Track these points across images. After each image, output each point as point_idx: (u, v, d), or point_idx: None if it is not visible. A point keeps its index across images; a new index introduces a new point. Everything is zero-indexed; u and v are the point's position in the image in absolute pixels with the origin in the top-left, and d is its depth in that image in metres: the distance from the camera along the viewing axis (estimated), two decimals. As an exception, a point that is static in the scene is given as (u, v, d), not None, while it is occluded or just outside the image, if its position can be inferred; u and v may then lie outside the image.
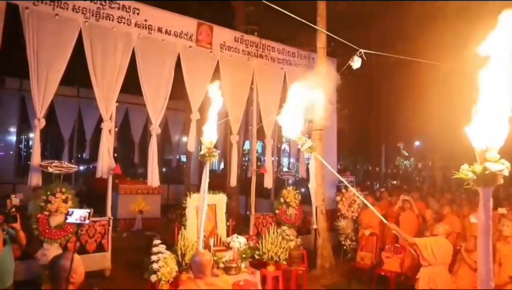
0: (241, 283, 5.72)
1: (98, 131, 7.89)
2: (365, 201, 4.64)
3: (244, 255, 6.23)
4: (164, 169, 16.35)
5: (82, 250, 6.74)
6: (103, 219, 7.11)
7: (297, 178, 11.42)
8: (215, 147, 5.18)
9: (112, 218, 7.30)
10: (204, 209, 5.02)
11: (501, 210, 6.65)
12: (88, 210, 4.98)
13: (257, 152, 11.98)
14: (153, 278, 5.38)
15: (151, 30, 7.50)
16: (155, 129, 7.67)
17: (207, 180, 5.14)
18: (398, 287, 6.83)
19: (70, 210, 5.11)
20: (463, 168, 1.97)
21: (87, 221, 5.09)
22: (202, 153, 5.10)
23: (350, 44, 7.49)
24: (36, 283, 5.61)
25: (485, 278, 2.03)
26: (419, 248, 4.92)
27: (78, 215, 4.96)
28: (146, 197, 10.93)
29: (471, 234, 6.32)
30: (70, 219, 5.06)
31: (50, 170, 6.13)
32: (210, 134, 5.05)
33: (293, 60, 9.74)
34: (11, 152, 14.13)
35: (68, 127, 13.92)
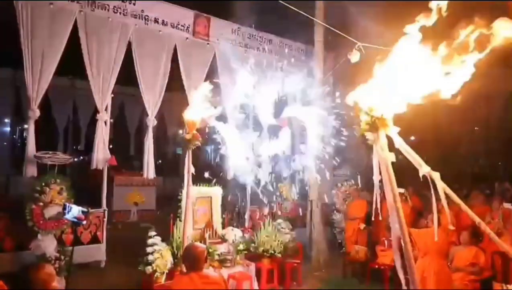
0: (236, 276, 5.75)
1: (93, 122, 7.83)
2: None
3: (239, 248, 6.24)
4: (159, 161, 16.28)
5: (77, 242, 6.73)
6: (98, 211, 7.08)
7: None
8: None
9: (107, 209, 7.28)
10: (187, 201, 4.97)
11: (507, 205, 6.75)
12: (85, 209, 4.98)
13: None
14: (148, 270, 5.38)
15: (148, 20, 7.43)
16: (151, 121, 7.63)
17: (191, 169, 5.06)
18: (392, 280, 6.88)
19: (68, 205, 5.14)
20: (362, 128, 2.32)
21: (84, 222, 5.13)
22: (184, 136, 4.99)
23: (349, 38, 7.45)
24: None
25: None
26: (414, 238, 5.01)
27: (74, 213, 4.95)
28: (142, 189, 10.92)
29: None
30: (67, 216, 5.09)
31: (45, 161, 6.08)
32: (194, 115, 4.86)
33: (290, 53, 9.70)
34: (5, 143, 14.01)
35: (63, 119, 13.82)
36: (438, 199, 2.43)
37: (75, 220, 4.97)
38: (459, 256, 6.03)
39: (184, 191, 5.37)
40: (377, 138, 2.29)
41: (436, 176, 2.37)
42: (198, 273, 3.00)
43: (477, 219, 2.41)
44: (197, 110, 4.97)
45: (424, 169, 2.36)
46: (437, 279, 5.01)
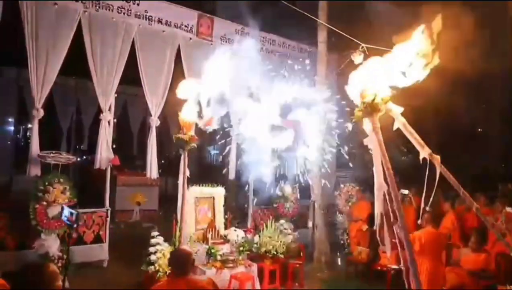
0: (238, 276, 5.76)
1: (97, 122, 7.86)
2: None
3: (241, 248, 6.24)
4: (162, 161, 16.29)
5: (80, 241, 6.76)
6: (101, 210, 7.10)
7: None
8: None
9: (110, 209, 7.30)
10: (183, 205, 4.83)
11: (509, 209, 6.73)
12: (74, 211, 5.01)
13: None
14: (151, 269, 5.40)
15: (151, 21, 7.44)
16: (155, 121, 7.65)
17: (186, 172, 4.91)
18: (394, 281, 6.87)
19: (64, 206, 5.17)
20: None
21: (75, 225, 5.15)
22: (182, 137, 4.78)
23: (353, 39, 7.45)
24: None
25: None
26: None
27: (66, 214, 5.00)
28: (144, 189, 10.93)
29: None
30: (62, 217, 5.15)
31: (48, 160, 6.10)
32: (190, 115, 4.65)
33: (293, 54, 9.70)
34: (9, 142, 14.05)
35: (67, 118, 13.85)
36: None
37: (68, 222, 5.00)
38: (468, 261, 6.04)
39: (179, 194, 5.26)
40: (372, 122, 2.46)
41: (436, 159, 2.43)
42: (184, 278, 2.83)
43: (475, 205, 2.45)
44: (193, 110, 4.81)
45: (425, 151, 2.42)
46: (429, 278, 5.13)
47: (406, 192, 8.16)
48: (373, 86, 2.48)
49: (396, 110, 2.47)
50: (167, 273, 5.36)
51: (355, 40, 7.59)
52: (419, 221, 5.35)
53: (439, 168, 2.45)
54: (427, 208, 5.27)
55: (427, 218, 5.51)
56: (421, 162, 2.51)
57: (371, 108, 2.44)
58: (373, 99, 2.44)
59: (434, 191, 2.54)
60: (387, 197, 2.50)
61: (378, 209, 2.67)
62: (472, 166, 13.45)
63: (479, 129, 14.97)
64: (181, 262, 2.89)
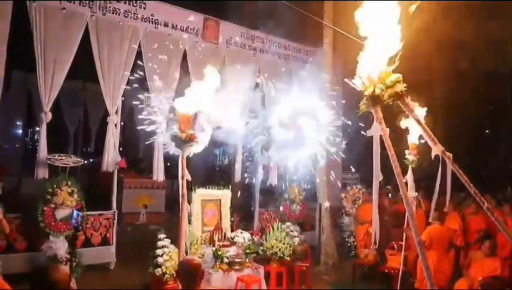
0: (245, 278, 5.75)
1: (104, 125, 7.90)
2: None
3: (248, 251, 6.24)
4: (168, 164, 16.28)
5: (87, 243, 6.80)
6: (108, 213, 7.14)
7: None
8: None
9: (117, 211, 7.33)
10: (183, 211, 4.40)
11: None
12: (80, 213, 5.03)
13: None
14: (158, 271, 5.41)
15: (158, 24, 7.50)
16: (161, 124, 7.67)
17: (186, 174, 4.26)
18: (401, 284, 6.82)
19: (74, 210, 5.20)
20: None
21: (80, 227, 5.17)
22: (179, 135, 3.87)
23: (359, 41, 7.42)
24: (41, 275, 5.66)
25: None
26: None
27: (74, 216, 5.02)
28: (151, 192, 10.97)
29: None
30: (72, 219, 5.17)
31: (57, 163, 6.16)
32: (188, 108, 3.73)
33: (298, 56, 9.71)
34: (17, 145, 14.17)
35: (74, 121, 13.95)
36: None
37: (75, 224, 5.04)
38: (481, 266, 5.95)
39: (180, 200, 4.86)
40: (375, 114, 2.46)
41: (448, 156, 2.43)
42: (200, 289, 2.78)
43: (486, 204, 2.44)
44: (193, 102, 3.90)
45: (438, 148, 2.42)
46: (434, 269, 5.31)
47: (415, 194, 8.09)
48: (371, 75, 2.50)
49: (412, 106, 2.47)
50: (174, 276, 5.37)
51: (360, 41, 7.56)
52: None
53: (451, 165, 2.44)
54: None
55: (435, 216, 6.16)
56: (433, 158, 2.52)
57: (372, 100, 2.44)
58: (373, 91, 2.43)
59: (450, 188, 2.55)
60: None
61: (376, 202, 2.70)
62: (481, 167, 13.34)
63: (486, 131, 14.85)
64: (190, 274, 2.80)
